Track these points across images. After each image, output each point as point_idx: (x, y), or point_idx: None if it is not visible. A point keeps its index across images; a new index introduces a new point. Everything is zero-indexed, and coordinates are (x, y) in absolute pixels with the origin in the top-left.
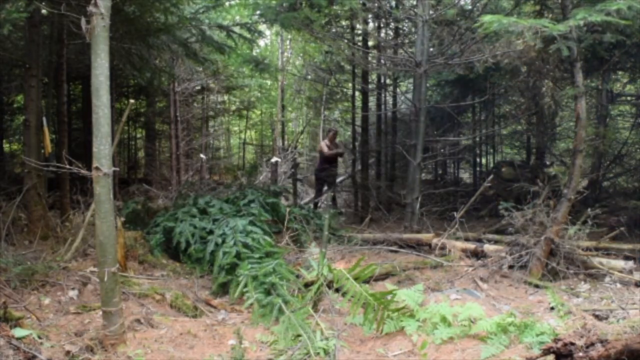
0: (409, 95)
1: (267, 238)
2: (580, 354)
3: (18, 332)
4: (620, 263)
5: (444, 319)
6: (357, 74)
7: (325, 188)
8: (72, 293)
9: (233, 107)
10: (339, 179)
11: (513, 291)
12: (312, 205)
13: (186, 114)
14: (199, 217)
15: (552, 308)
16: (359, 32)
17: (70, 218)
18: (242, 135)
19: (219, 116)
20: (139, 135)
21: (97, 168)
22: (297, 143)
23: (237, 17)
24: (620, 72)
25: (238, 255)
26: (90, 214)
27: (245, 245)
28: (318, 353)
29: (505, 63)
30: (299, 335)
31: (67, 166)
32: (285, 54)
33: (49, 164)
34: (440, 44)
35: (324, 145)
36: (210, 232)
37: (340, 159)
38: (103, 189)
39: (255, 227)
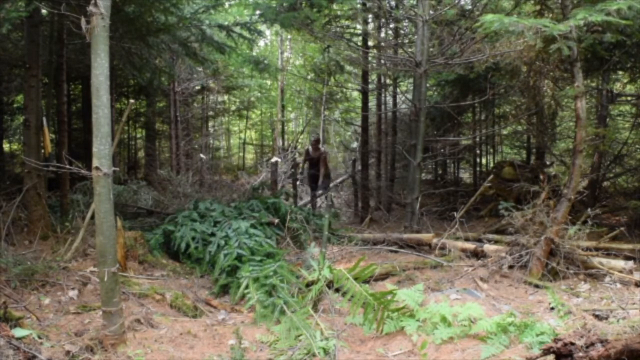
0: (409, 95)
1: (269, 240)
2: (580, 354)
3: (18, 332)
4: (620, 263)
5: (444, 319)
6: (357, 73)
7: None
8: (72, 293)
9: (233, 107)
10: (339, 179)
11: (513, 291)
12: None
13: (186, 114)
14: (200, 220)
15: (552, 308)
16: (359, 32)
17: (70, 218)
18: (242, 135)
19: (219, 116)
20: (139, 135)
21: (97, 168)
22: (297, 143)
23: (237, 17)
24: (620, 72)
25: (239, 258)
26: (90, 214)
27: (248, 247)
28: (318, 353)
29: (505, 63)
30: (299, 335)
31: (67, 166)
32: (285, 54)
33: (49, 164)
34: (440, 44)
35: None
36: (212, 234)
37: (340, 160)
38: (103, 189)
39: (257, 230)
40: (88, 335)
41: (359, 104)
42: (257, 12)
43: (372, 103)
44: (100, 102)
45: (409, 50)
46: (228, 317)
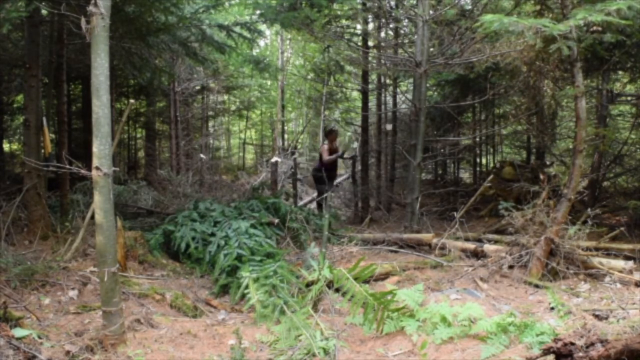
0: (409, 95)
1: (269, 240)
2: (580, 354)
3: (18, 332)
4: (620, 263)
5: (444, 319)
6: (357, 73)
7: (326, 189)
8: (72, 293)
9: (233, 107)
10: (338, 180)
11: (513, 291)
12: (316, 205)
13: (186, 114)
14: (200, 220)
15: (552, 308)
16: (359, 32)
17: (70, 218)
18: (242, 135)
19: (219, 116)
20: (139, 135)
21: (97, 168)
22: (297, 143)
23: (238, 17)
24: (620, 72)
25: (239, 258)
26: (90, 214)
27: (248, 247)
28: (318, 353)
29: (505, 63)
30: (299, 335)
31: (67, 166)
32: (285, 54)
33: (49, 164)
34: (440, 44)
35: (324, 150)
36: (212, 234)
37: (340, 161)
38: (103, 189)
39: (257, 230)
40: (88, 335)
41: (359, 104)
42: (257, 11)
43: (372, 103)
44: (100, 102)
45: (409, 50)
46: (228, 317)
